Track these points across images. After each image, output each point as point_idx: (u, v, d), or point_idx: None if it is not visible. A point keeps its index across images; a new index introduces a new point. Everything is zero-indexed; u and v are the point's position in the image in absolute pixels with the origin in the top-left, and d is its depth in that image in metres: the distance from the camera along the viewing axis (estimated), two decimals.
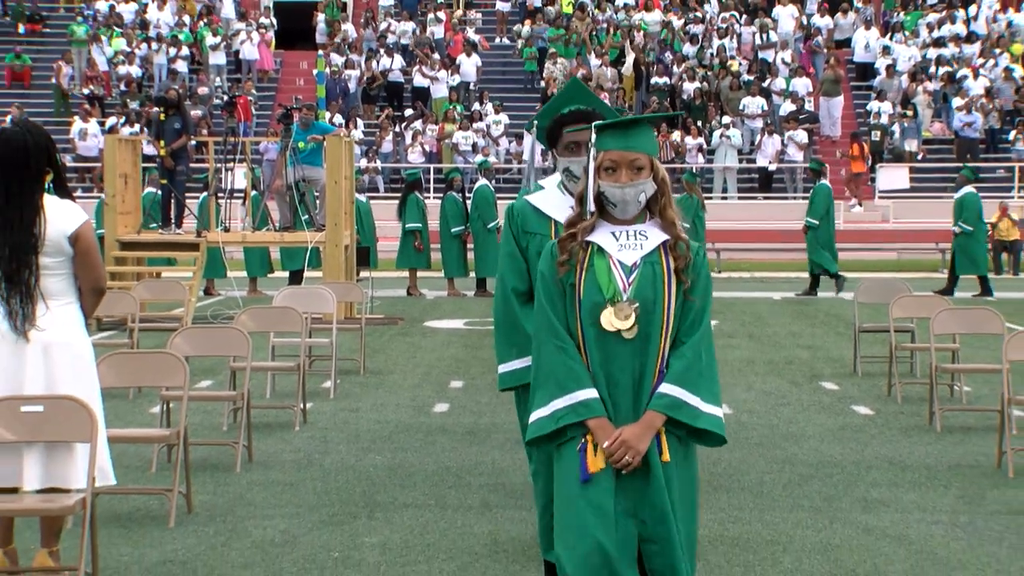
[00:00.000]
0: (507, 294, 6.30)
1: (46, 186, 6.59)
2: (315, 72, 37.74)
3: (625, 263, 4.74)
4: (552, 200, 6.32)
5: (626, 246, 4.76)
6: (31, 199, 6.51)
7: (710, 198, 31.86)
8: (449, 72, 38.12)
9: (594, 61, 37.91)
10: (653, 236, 4.79)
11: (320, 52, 38.83)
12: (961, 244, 23.12)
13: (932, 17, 39.90)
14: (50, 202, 6.57)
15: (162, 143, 20.73)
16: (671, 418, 4.71)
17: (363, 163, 32.48)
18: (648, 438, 4.68)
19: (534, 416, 4.81)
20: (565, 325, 4.76)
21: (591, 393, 4.71)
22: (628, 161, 4.73)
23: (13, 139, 6.56)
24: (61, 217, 6.57)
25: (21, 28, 40.99)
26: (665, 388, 4.72)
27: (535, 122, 6.78)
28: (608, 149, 4.75)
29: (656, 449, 4.70)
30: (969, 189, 23.47)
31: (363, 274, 21.05)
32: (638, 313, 4.68)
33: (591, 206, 4.76)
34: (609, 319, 4.69)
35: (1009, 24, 39.11)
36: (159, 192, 21.30)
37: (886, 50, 38.11)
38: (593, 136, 4.78)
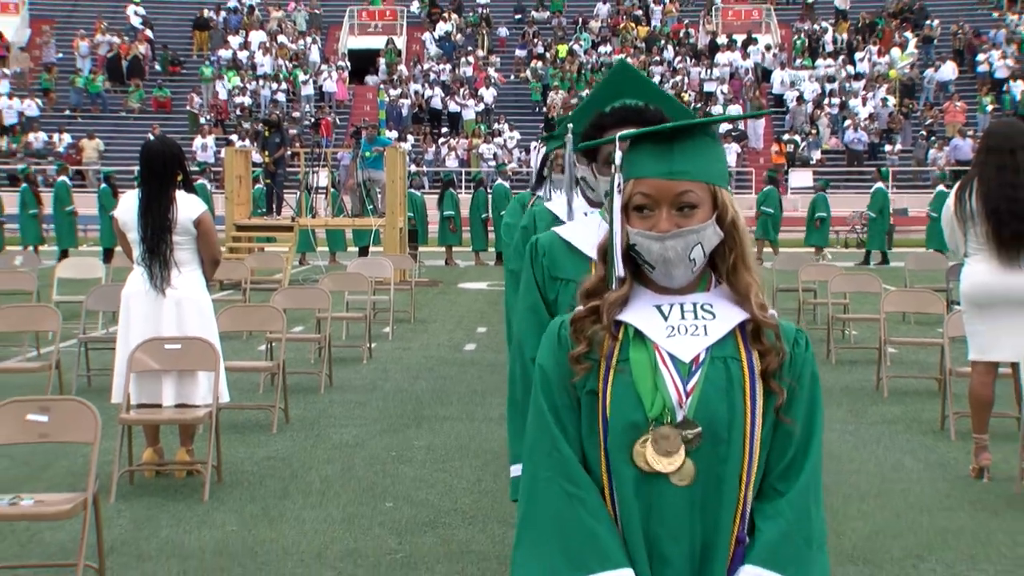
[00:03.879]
0: (526, 365, 3.21)
1: (177, 184, 6.63)
2: (378, 101, 37.58)
3: (680, 358, 2.05)
4: (593, 233, 3.00)
5: (680, 330, 2.07)
6: (167, 193, 6.58)
7: None
8: (475, 101, 37.99)
9: (582, 93, 37.72)
10: (723, 314, 2.12)
11: (381, 86, 38.68)
12: None
13: (829, 60, 39.75)
14: (180, 195, 6.63)
15: (266, 153, 20.76)
16: None
17: (412, 168, 32.39)
18: None
19: None
20: (580, 457, 2.06)
21: (624, 574, 2.02)
22: (672, 196, 2.05)
23: (155, 150, 6.66)
24: (188, 206, 6.64)
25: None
26: (749, 572, 2.04)
27: (569, 125, 3.45)
28: (640, 176, 2.06)
29: None
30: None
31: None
32: (698, 443, 2.02)
33: (619, 268, 2.06)
34: (645, 455, 2.02)
35: (888, 56, 38.92)
36: (264, 189, 21.28)
37: (794, 84, 37.99)
38: (617, 155, 2.09)
